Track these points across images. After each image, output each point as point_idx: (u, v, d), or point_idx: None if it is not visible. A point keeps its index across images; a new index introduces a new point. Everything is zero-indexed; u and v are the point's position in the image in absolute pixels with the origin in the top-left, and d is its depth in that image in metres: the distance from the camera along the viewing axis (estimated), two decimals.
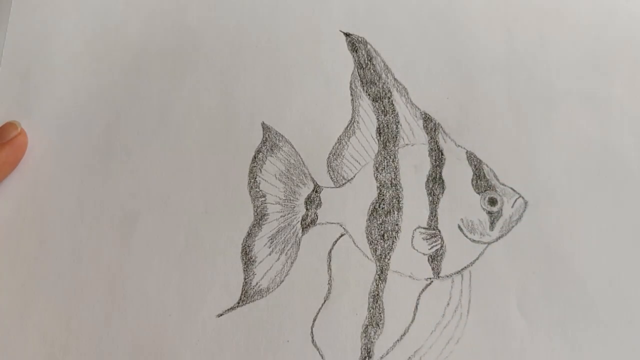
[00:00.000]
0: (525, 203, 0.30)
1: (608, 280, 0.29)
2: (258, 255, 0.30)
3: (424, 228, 0.30)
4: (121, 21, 0.35)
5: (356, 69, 0.33)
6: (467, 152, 0.31)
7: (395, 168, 0.31)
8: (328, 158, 0.32)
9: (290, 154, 0.32)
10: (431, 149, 0.32)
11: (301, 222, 0.30)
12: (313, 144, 0.32)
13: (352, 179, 0.31)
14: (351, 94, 0.33)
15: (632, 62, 0.33)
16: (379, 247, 0.30)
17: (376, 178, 0.31)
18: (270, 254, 0.30)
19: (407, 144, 0.32)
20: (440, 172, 0.31)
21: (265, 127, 0.32)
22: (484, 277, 0.29)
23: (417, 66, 0.34)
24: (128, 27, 0.35)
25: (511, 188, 0.31)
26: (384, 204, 0.30)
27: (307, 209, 0.31)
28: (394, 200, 0.31)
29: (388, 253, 0.30)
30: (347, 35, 0.34)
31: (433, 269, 0.29)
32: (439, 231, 0.30)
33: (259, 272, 0.29)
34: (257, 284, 0.29)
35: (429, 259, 0.29)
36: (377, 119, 0.32)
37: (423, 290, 0.29)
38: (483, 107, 0.32)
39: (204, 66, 0.34)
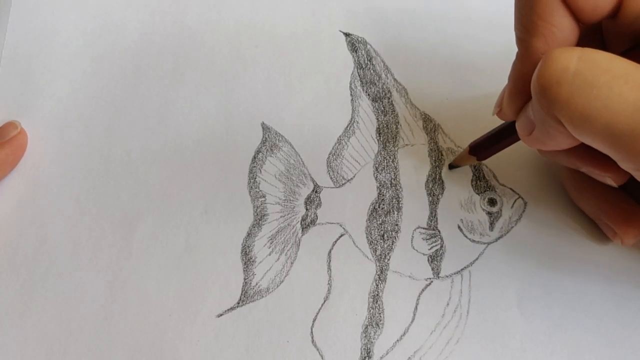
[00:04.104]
0: (525, 203, 0.30)
1: (608, 280, 0.29)
2: (258, 255, 0.30)
3: (424, 228, 0.30)
4: (121, 21, 0.35)
5: (356, 69, 0.33)
6: None
7: (395, 168, 0.31)
8: (328, 158, 0.32)
9: (290, 154, 0.32)
10: (431, 149, 0.32)
11: (301, 222, 0.30)
12: (313, 144, 0.32)
13: (351, 179, 0.31)
14: (351, 94, 0.33)
15: None
16: (379, 247, 0.30)
17: (376, 178, 0.31)
18: (270, 254, 0.30)
19: (407, 144, 0.32)
20: (440, 172, 0.31)
21: (265, 127, 0.32)
22: (484, 277, 0.29)
23: (417, 66, 0.34)
24: (128, 27, 0.35)
25: (511, 188, 0.31)
26: (383, 204, 0.30)
27: (307, 209, 0.31)
28: (394, 200, 0.31)
29: (388, 253, 0.30)
30: (347, 35, 0.34)
31: (433, 269, 0.29)
32: (439, 231, 0.30)
33: (259, 272, 0.29)
34: (257, 284, 0.29)
35: (428, 259, 0.29)
36: (377, 119, 0.32)
37: (423, 290, 0.29)
38: (483, 107, 0.32)
39: (204, 66, 0.34)
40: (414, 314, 0.29)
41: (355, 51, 0.34)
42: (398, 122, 0.32)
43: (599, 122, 0.20)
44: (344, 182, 0.31)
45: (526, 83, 0.23)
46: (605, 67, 0.20)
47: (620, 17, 0.22)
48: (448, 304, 0.29)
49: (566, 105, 0.20)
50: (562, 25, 0.22)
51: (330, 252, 0.30)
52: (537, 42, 0.23)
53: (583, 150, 0.25)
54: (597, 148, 0.21)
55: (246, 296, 0.29)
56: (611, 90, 0.19)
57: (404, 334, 0.28)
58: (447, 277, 0.29)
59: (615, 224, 0.27)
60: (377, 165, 0.31)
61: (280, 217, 0.31)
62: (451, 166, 0.31)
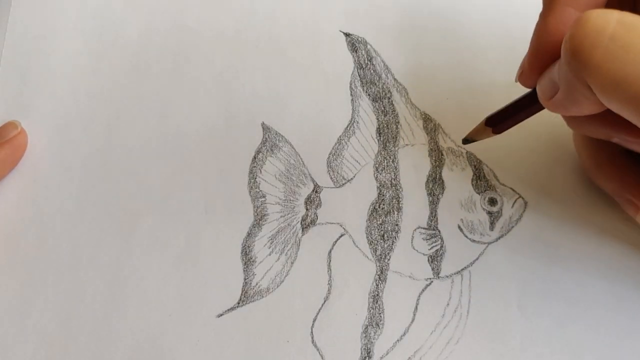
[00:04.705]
0: (525, 203, 0.30)
1: (609, 279, 0.29)
2: (258, 255, 0.30)
3: (424, 228, 0.30)
4: (121, 21, 0.35)
5: (356, 69, 0.33)
6: (467, 152, 0.31)
7: (395, 168, 0.31)
8: (328, 158, 0.32)
9: (290, 154, 0.32)
10: (431, 149, 0.32)
11: (301, 222, 0.30)
12: (313, 144, 0.32)
13: (352, 179, 0.31)
14: (351, 94, 0.33)
15: None
16: (379, 247, 0.30)
17: (376, 178, 0.31)
18: (270, 254, 0.30)
19: (407, 144, 0.32)
20: (440, 172, 0.31)
21: (265, 127, 0.32)
22: (484, 277, 0.29)
23: (417, 66, 0.34)
24: (128, 27, 0.35)
25: (511, 188, 0.31)
26: (383, 204, 0.30)
27: (307, 209, 0.31)
28: (394, 200, 0.31)
29: (388, 253, 0.30)
30: (347, 35, 0.34)
31: (433, 269, 0.29)
32: (439, 231, 0.30)
33: (259, 272, 0.29)
34: (257, 284, 0.29)
35: (428, 259, 0.29)
36: (377, 119, 0.32)
37: (423, 290, 0.29)
38: (483, 107, 0.32)
39: (204, 66, 0.34)
40: (414, 314, 0.29)
41: (356, 51, 0.34)
42: (398, 122, 0.32)
43: (632, 89, 0.19)
44: (344, 182, 0.31)
45: (549, 43, 0.22)
46: None
47: None
48: (448, 304, 0.29)
49: (598, 70, 0.19)
50: None
51: (330, 252, 0.30)
52: None
53: (614, 118, 0.23)
54: (626, 116, 0.20)
55: (246, 296, 0.29)
56: None
57: (404, 334, 0.28)
58: (447, 277, 0.29)
59: (638, 198, 0.26)
60: (377, 165, 0.31)
61: (281, 217, 0.31)
62: (466, 141, 0.30)
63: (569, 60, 0.20)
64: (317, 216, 0.31)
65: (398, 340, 0.28)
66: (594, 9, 0.21)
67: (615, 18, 0.19)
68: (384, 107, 0.32)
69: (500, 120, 0.28)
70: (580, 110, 0.23)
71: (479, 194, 0.31)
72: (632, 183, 0.27)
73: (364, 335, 0.28)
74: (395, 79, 0.33)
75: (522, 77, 0.26)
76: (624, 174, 0.27)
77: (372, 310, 0.29)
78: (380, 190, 0.31)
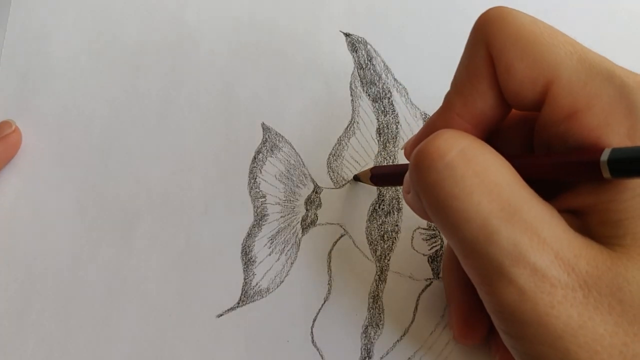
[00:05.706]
0: None
1: None
2: (258, 255, 0.30)
3: (424, 229, 0.30)
4: (120, 20, 0.35)
5: (356, 69, 0.33)
6: None
7: None
8: (328, 159, 0.32)
9: (290, 154, 0.32)
10: None
11: (301, 223, 0.30)
12: (313, 144, 0.32)
13: (352, 179, 0.31)
14: (351, 95, 0.33)
15: (631, 61, 0.33)
16: (379, 247, 0.30)
17: None
18: (270, 255, 0.30)
19: None
20: None
21: (265, 128, 0.32)
22: None
23: (417, 66, 0.34)
24: (127, 26, 0.35)
25: None
26: (383, 205, 0.30)
27: (307, 210, 0.31)
28: (394, 201, 0.31)
29: (388, 254, 0.30)
30: (347, 35, 0.34)
31: (433, 269, 0.29)
32: (439, 232, 0.30)
33: (259, 272, 0.29)
34: (257, 284, 0.29)
35: (428, 260, 0.29)
36: (377, 119, 0.32)
37: (423, 290, 0.29)
38: None
39: (204, 66, 0.34)
40: (414, 314, 0.29)
41: (356, 51, 0.34)
42: (398, 122, 0.32)
43: (449, 222, 0.19)
44: (344, 182, 0.31)
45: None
46: (477, 170, 0.19)
47: (542, 113, 0.21)
48: (448, 304, 0.29)
49: (426, 191, 0.20)
50: (485, 95, 0.21)
51: (330, 252, 0.30)
52: (457, 101, 0.22)
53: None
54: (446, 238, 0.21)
55: (246, 296, 0.29)
56: (471, 197, 0.19)
57: (404, 334, 0.28)
58: None
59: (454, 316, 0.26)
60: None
61: (281, 217, 0.31)
62: (356, 177, 0.30)
63: (410, 172, 0.21)
64: (317, 216, 0.31)
65: (398, 340, 0.28)
66: (477, 124, 0.22)
67: (460, 146, 0.19)
68: (384, 107, 0.32)
69: (380, 175, 0.28)
70: (423, 216, 0.23)
71: None
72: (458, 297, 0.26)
73: (364, 335, 0.28)
74: (395, 79, 0.33)
75: (405, 152, 0.26)
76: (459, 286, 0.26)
77: (372, 310, 0.29)
78: (380, 191, 0.31)
